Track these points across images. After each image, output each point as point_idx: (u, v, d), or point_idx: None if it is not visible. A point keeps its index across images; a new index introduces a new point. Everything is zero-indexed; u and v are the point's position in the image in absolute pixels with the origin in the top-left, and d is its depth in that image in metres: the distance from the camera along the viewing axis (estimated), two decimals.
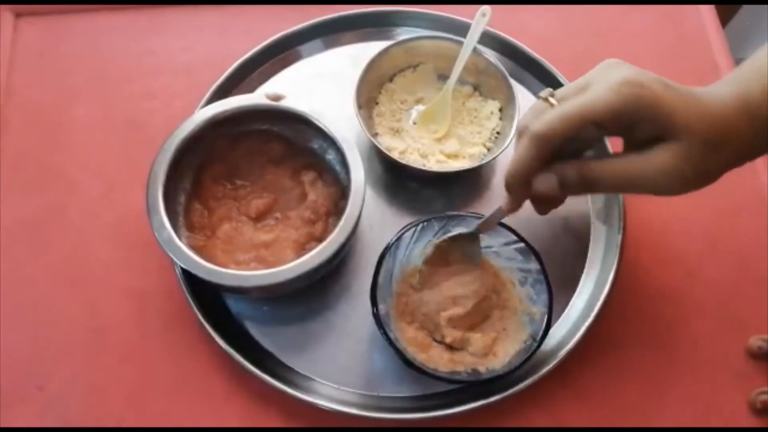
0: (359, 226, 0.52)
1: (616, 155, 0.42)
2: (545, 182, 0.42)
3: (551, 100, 0.42)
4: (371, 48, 0.60)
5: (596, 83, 0.40)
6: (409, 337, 0.51)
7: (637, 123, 0.39)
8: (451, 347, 0.51)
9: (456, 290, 0.52)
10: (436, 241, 0.52)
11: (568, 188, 0.42)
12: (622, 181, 0.41)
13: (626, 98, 0.38)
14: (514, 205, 0.46)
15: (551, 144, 0.40)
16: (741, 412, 0.53)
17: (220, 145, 0.55)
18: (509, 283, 0.53)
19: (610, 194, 0.58)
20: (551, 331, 0.52)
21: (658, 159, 0.40)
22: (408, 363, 0.47)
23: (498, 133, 0.61)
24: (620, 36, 0.70)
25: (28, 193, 0.59)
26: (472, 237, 0.52)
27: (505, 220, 0.51)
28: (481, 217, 0.51)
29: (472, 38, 0.60)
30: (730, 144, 0.40)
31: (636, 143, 0.41)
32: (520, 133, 0.43)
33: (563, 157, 0.42)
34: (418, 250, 0.53)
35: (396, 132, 0.61)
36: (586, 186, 0.42)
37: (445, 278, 0.53)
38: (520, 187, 0.43)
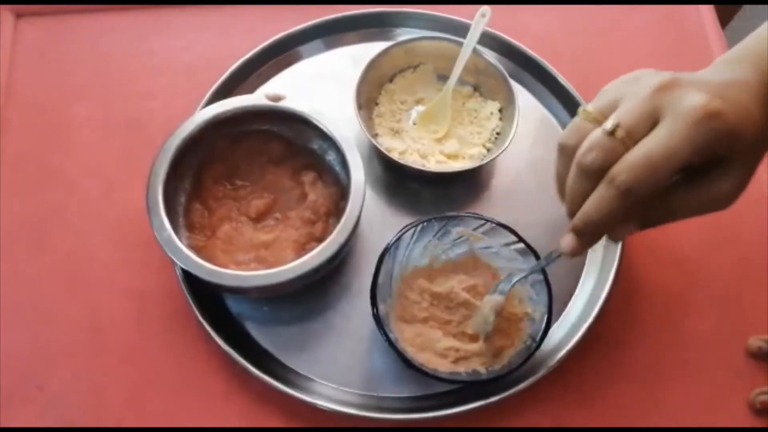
0: (359, 227, 0.52)
1: (683, 185, 0.41)
2: (628, 230, 0.42)
3: (618, 134, 0.38)
4: (371, 48, 0.60)
5: (669, 115, 0.37)
6: (408, 337, 0.51)
7: (710, 154, 0.38)
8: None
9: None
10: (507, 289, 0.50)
11: (646, 227, 0.42)
12: (698, 210, 0.41)
13: (709, 135, 0.37)
14: (582, 250, 0.42)
15: (643, 198, 0.38)
16: (741, 413, 0.53)
17: (220, 146, 0.55)
18: None
19: None
20: (551, 332, 0.52)
21: (729, 181, 0.40)
22: (408, 363, 0.47)
23: (498, 133, 0.61)
24: (620, 36, 0.70)
25: (29, 193, 0.59)
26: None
27: (506, 221, 0.51)
28: (481, 217, 0.51)
29: (471, 39, 0.60)
30: (765, 140, 0.40)
31: (697, 165, 0.40)
32: (585, 171, 0.39)
33: None
34: (417, 250, 0.53)
35: (396, 132, 0.61)
36: (664, 222, 0.42)
37: None
38: (597, 235, 0.41)
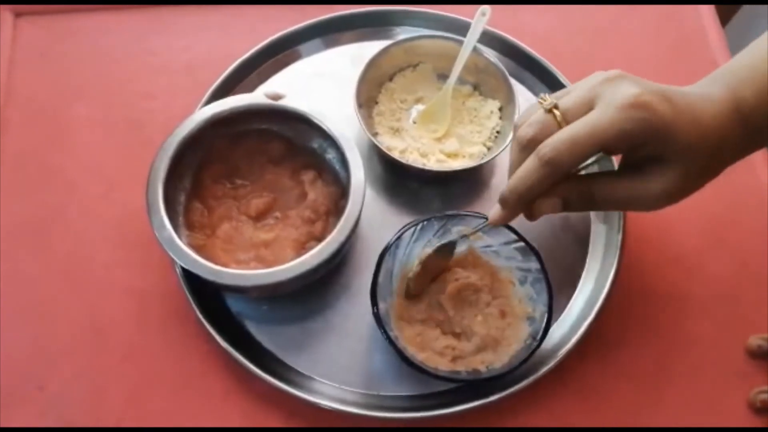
0: (359, 226, 0.52)
1: (615, 174, 0.43)
2: (549, 205, 0.42)
3: (556, 113, 0.41)
4: (371, 47, 0.60)
5: (603, 102, 0.40)
6: (408, 336, 0.51)
7: (641, 146, 0.40)
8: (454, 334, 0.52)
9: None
10: (421, 256, 0.52)
11: (569, 209, 0.43)
12: (623, 202, 0.43)
13: (635, 123, 0.38)
14: (507, 220, 0.45)
15: (562, 169, 0.40)
16: (741, 412, 0.53)
17: (220, 145, 0.55)
18: (509, 283, 0.53)
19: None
20: (551, 331, 0.52)
21: (660, 182, 0.41)
22: (408, 362, 0.47)
23: (498, 132, 0.61)
24: (620, 36, 0.70)
25: (29, 193, 0.59)
26: (452, 245, 0.52)
27: None
28: (480, 216, 0.51)
29: (471, 37, 0.60)
30: (725, 151, 0.41)
31: (633, 160, 0.42)
32: (519, 143, 0.42)
33: None
34: (418, 249, 0.53)
35: (396, 131, 0.61)
36: (587, 206, 0.43)
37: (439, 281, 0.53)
38: (519, 205, 0.43)
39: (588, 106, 0.40)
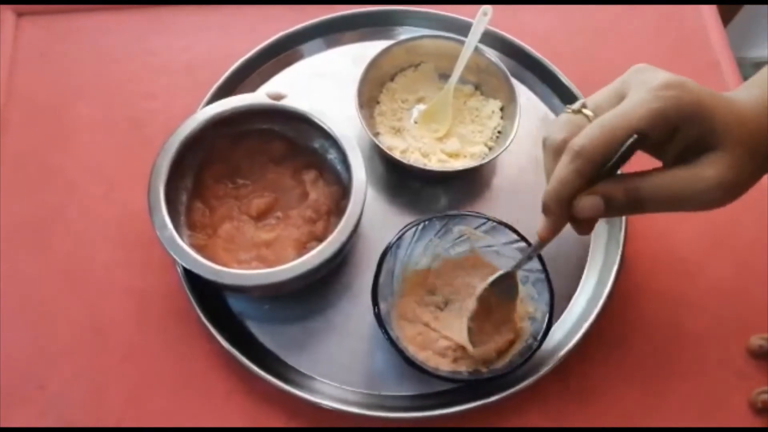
0: (360, 226, 0.52)
1: (660, 170, 0.39)
2: (591, 206, 0.39)
3: (585, 111, 0.39)
4: (372, 47, 0.60)
5: (634, 89, 0.38)
6: (409, 335, 0.51)
7: (678, 129, 0.37)
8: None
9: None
10: (478, 293, 0.49)
11: (614, 210, 0.39)
12: (671, 198, 0.38)
13: (668, 101, 0.36)
14: (553, 231, 0.41)
15: (595, 159, 0.37)
16: (742, 412, 0.53)
17: (221, 145, 0.55)
18: None
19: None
20: (552, 331, 0.52)
21: (708, 171, 0.37)
22: (409, 362, 0.47)
23: (499, 132, 0.61)
24: (621, 35, 0.70)
25: (29, 193, 0.59)
26: (510, 276, 0.50)
27: (507, 220, 0.51)
28: (481, 216, 0.51)
29: (473, 37, 0.60)
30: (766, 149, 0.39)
31: (675, 157, 0.39)
32: (550, 149, 0.40)
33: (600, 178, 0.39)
34: (419, 249, 0.53)
35: (397, 131, 0.61)
36: (634, 206, 0.39)
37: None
38: (561, 209, 0.40)
39: (619, 98, 0.39)
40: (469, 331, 0.49)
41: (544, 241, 0.43)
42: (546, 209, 0.40)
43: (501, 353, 0.50)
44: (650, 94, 0.37)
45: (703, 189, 0.38)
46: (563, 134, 0.39)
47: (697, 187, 0.38)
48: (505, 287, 0.50)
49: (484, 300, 0.50)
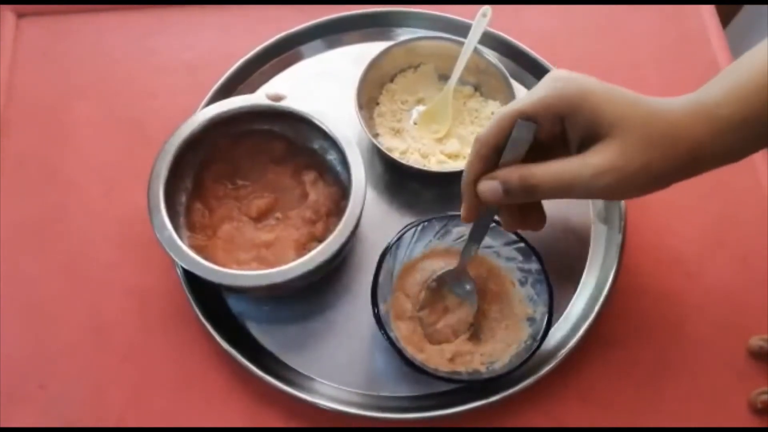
0: (360, 226, 0.52)
1: (556, 159, 0.41)
2: (489, 188, 0.42)
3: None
4: (372, 48, 0.60)
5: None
6: (406, 335, 0.51)
7: (564, 117, 0.40)
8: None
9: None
10: (428, 283, 0.52)
11: (511, 194, 0.41)
12: (561, 183, 0.40)
13: (550, 90, 0.40)
14: (467, 212, 0.45)
15: (488, 142, 0.41)
16: (741, 412, 0.53)
17: (221, 145, 0.55)
18: (509, 283, 0.53)
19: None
20: (551, 331, 0.52)
21: (594, 157, 0.39)
22: (408, 363, 0.47)
23: None
24: (621, 36, 0.70)
25: (30, 193, 0.59)
26: (458, 273, 0.52)
27: None
28: None
29: (472, 38, 0.60)
30: (681, 143, 0.39)
31: (577, 149, 0.41)
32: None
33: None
34: (418, 250, 0.53)
35: (397, 132, 0.61)
36: (529, 191, 0.41)
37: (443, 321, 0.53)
38: (469, 191, 0.44)
39: None
40: (421, 322, 0.52)
41: (466, 221, 0.46)
42: (461, 193, 0.45)
43: (453, 359, 0.51)
44: (539, 86, 0.41)
45: (590, 175, 0.39)
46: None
47: (583, 172, 0.39)
48: (462, 287, 0.52)
49: (436, 294, 0.52)
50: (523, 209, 0.45)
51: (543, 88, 0.40)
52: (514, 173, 0.41)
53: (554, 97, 0.40)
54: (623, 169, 0.39)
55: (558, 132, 0.41)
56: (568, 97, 0.39)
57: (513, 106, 0.41)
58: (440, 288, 0.53)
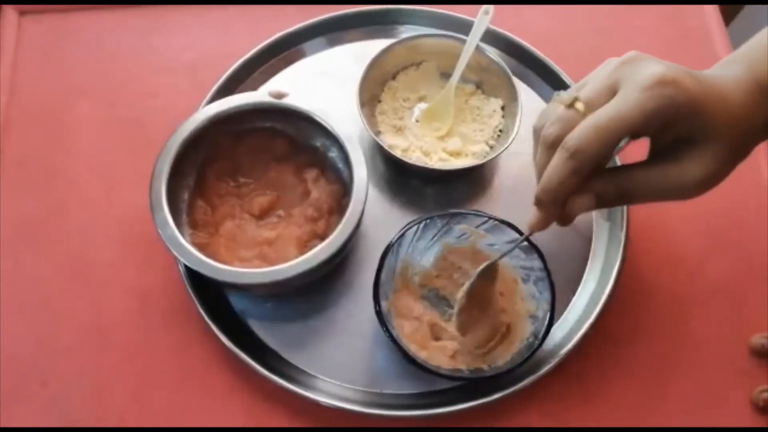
0: (362, 224, 0.52)
1: (648, 163, 0.41)
2: (584, 203, 0.40)
3: (578, 105, 0.39)
4: (374, 46, 0.60)
5: (626, 84, 0.38)
6: (408, 333, 0.51)
7: (670, 125, 0.38)
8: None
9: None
10: (467, 288, 0.50)
11: (604, 204, 0.41)
12: (659, 192, 0.40)
13: (662, 100, 0.37)
14: (545, 224, 0.43)
15: (591, 160, 0.38)
16: (743, 410, 0.53)
17: (223, 143, 0.55)
18: (512, 281, 0.53)
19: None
20: (553, 329, 0.52)
21: (697, 165, 0.39)
22: (410, 360, 0.47)
23: (501, 130, 0.61)
24: (623, 35, 0.70)
25: (31, 192, 0.59)
26: (494, 265, 0.50)
27: (508, 218, 0.51)
28: (483, 214, 0.51)
29: (474, 36, 0.60)
30: (752, 129, 0.40)
31: (663, 144, 0.40)
32: (544, 143, 0.41)
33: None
34: (420, 247, 0.53)
35: (399, 130, 0.61)
36: (624, 200, 0.41)
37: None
38: (554, 205, 0.41)
39: (611, 92, 0.39)
40: (459, 321, 0.51)
41: (533, 233, 0.44)
42: (539, 203, 0.42)
43: (491, 338, 0.51)
44: (644, 94, 0.37)
45: (689, 183, 0.39)
46: (556, 129, 0.39)
47: (683, 180, 0.39)
48: (487, 274, 0.51)
49: (471, 291, 0.51)
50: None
51: (647, 97, 0.37)
52: (610, 184, 0.40)
53: (662, 107, 0.37)
54: (716, 173, 0.39)
55: (650, 133, 0.40)
56: (679, 109, 0.37)
57: (619, 121, 0.37)
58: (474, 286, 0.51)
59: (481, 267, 0.50)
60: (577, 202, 0.40)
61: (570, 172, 0.38)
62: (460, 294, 0.50)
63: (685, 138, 0.39)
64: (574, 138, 0.38)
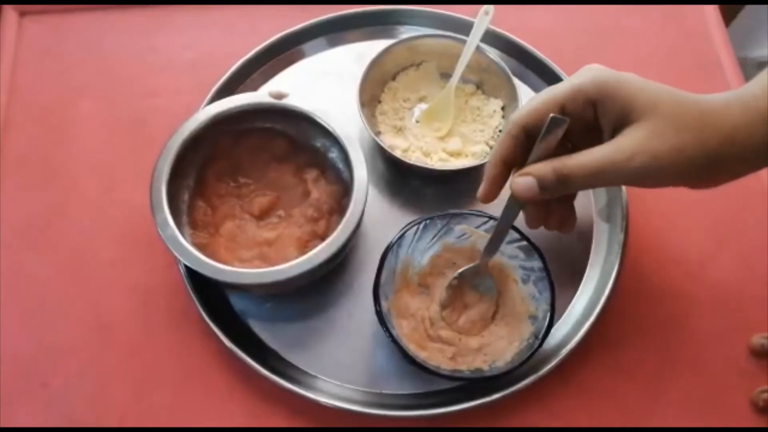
0: (362, 224, 0.52)
1: (588, 148, 0.41)
2: (523, 184, 0.42)
3: None
4: (374, 46, 0.60)
5: None
6: (407, 333, 0.51)
7: (597, 103, 0.41)
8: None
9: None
10: (448, 282, 0.53)
11: (546, 188, 0.42)
12: (594, 170, 0.40)
13: (584, 77, 0.41)
14: (488, 192, 0.46)
15: (519, 123, 0.43)
16: (743, 411, 0.53)
17: (223, 143, 0.55)
18: (512, 281, 0.53)
19: (595, 189, 0.56)
20: (553, 330, 0.52)
21: (625, 140, 0.39)
22: (410, 360, 0.47)
23: (501, 131, 0.61)
24: (623, 35, 0.70)
25: (32, 192, 0.59)
26: (479, 269, 0.52)
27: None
28: (483, 214, 0.51)
29: (474, 36, 0.60)
30: (713, 129, 0.39)
31: (606, 136, 0.42)
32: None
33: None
34: (420, 248, 0.53)
35: (399, 130, 0.61)
36: (563, 182, 0.41)
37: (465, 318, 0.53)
38: (492, 169, 0.45)
39: None
40: (444, 320, 0.52)
41: (484, 202, 0.47)
42: (484, 173, 0.46)
43: (455, 357, 0.51)
44: (573, 76, 0.42)
45: (623, 159, 0.39)
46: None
47: (615, 157, 0.40)
48: (481, 282, 0.52)
49: (457, 291, 0.52)
50: (549, 206, 0.46)
51: (577, 76, 0.42)
52: (548, 166, 0.42)
53: (588, 82, 0.41)
54: (655, 151, 0.39)
55: (588, 122, 0.42)
56: (601, 83, 0.41)
57: (549, 91, 0.42)
58: (461, 285, 0.53)
59: (464, 268, 0.52)
60: (516, 182, 0.43)
61: (505, 134, 0.44)
62: (445, 287, 0.52)
63: (622, 122, 0.40)
64: (514, 113, 0.44)
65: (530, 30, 0.67)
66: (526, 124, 0.43)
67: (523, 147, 0.44)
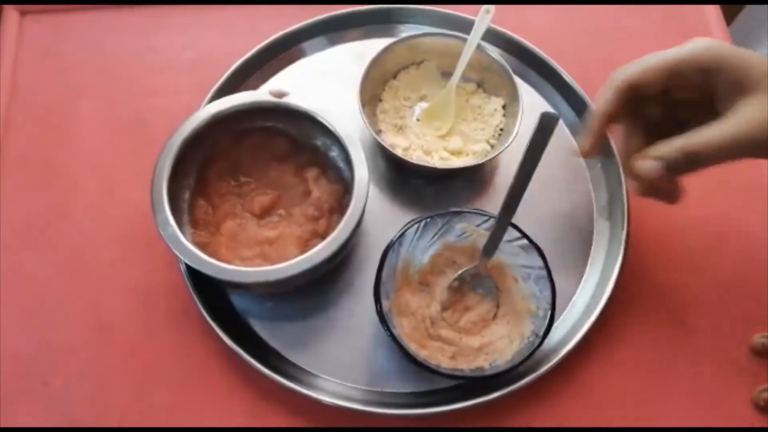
0: (363, 223, 0.52)
1: (707, 125, 0.42)
2: (648, 167, 0.43)
3: None
4: (375, 45, 0.60)
5: None
6: (408, 332, 0.51)
7: (711, 73, 0.41)
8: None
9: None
10: (448, 281, 0.53)
11: (674, 168, 0.42)
12: (728, 145, 0.41)
13: (700, 46, 0.42)
14: (591, 144, 0.47)
15: (631, 80, 0.43)
16: (744, 410, 0.53)
17: (223, 142, 0.55)
18: (512, 280, 0.53)
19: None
20: (554, 328, 0.52)
21: (751, 111, 0.40)
22: (411, 359, 0.47)
23: (501, 129, 0.61)
24: (624, 35, 0.70)
25: (33, 191, 0.59)
26: (479, 269, 0.52)
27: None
28: (484, 213, 0.51)
29: (475, 35, 0.60)
30: None
31: (722, 105, 0.42)
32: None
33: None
34: (421, 246, 0.53)
35: (399, 129, 0.61)
36: (692, 162, 0.42)
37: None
38: (597, 124, 0.45)
39: None
40: (444, 320, 0.52)
41: (586, 157, 0.50)
42: (587, 129, 0.47)
43: (455, 356, 0.51)
44: (689, 43, 0.43)
45: (749, 130, 0.40)
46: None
47: (743, 128, 0.40)
48: (481, 283, 0.52)
49: (458, 292, 0.52)
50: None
51: (692, 44, 0.42)
52: (672, 147, 0.42)
53: (704, 50, 0.41)
54: None
55: (692, 92, 0.43)
56: (718, 52, 0.41)
57: (661, 54, 0.43)
58: (461, 287, 0.53)
59: (464, 269, 0.52)
60: (640, 165, 0.43)
61: (609, 88, 0.44)
62: (446, 288, 0.53)
63: (736, 91, 0.40)
64: (620, 69, 0.44)
65: (530, 30, 0.67)
66: (640, 81, 0.43)
67: (624, 107, 0.44)
